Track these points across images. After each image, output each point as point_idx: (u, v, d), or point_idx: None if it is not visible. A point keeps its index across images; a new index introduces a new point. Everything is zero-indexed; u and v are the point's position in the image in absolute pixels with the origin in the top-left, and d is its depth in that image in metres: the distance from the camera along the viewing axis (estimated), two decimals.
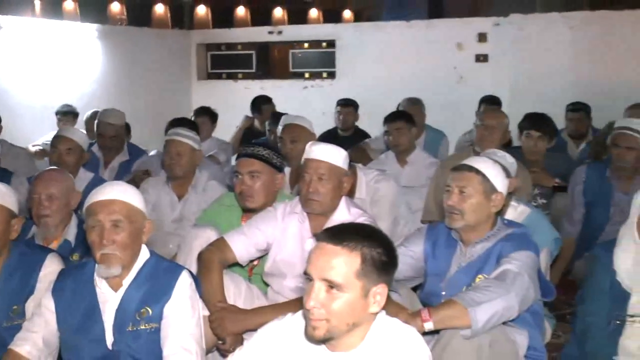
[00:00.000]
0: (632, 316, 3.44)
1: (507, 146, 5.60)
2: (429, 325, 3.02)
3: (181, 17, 12.86)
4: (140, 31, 10.89)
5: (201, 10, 13.14)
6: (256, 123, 8.28)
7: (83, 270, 3.13)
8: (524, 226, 3.69)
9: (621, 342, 3.44)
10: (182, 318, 3.02)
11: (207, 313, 3.40)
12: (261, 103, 8.35)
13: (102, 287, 3.05)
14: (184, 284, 3.07)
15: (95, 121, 6.63)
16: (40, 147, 7.39)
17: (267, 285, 3.91)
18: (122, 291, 3.04)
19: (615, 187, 5.32)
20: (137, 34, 10.67)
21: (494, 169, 3.52)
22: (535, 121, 5.81)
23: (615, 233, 3.70)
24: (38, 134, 7.87)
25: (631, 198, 3.59)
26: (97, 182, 4.77)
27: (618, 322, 3.46)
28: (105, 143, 6.45)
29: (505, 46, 9.56)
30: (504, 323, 3.21)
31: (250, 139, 7.49)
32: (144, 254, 3.12)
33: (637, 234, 3.48)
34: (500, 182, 3.49)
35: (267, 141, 6.78)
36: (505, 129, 5.43)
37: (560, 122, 7.13)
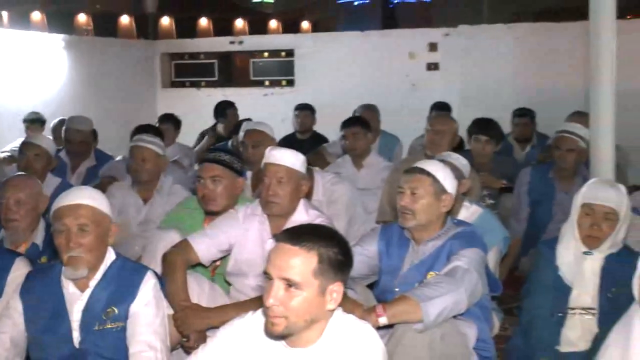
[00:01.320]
0: (572, 309, 3.50)
1: (458, 149, 5.64)
2: (383, 320, 3.02)
3: (146, 28, 12.79)
4: (106, 41, 10.83)
5: (165, 21, 13.08)
6: (219, 128, 8.23)
7: (50, 272, 3.10)
8: (472, 225, 3.72)
9: (563, 333, 3.49)
10: (147, 317, 3.01)
11: (171, 312, 3.38)
12: (225, 108, 8.32)
13: (69, 288, 3.03)
14: (149, 284, 3.06)
15: (64, 127, 6.56)
16: (9, 154, 7.29)
17: (229, 284, 3.90)
18: (88, 292, 3.02)
19: (558, 188, 5.39)
20: (103, 44, 10.60)
21: (444, 171, 3.55)
22: (483, 126, 5.85)
23: (557, 231, 3.76)
24: (6, 141, 7.77)
25: (572, 197, 3.65)
26: (64, 186, 4.72)
27: (560, 314, 3.51)
28: (73, 148, 6.38)
29: (455, 55, 9.66)
30: (454, 317, 3.22)
31: (213, 144, 7.46)
32: (110, 256, 3.10)
33: (577, 231, 3.53)
34: (449, 184, 3.51)
35: (230, 146, 6.75)
36: (454, 134, 5.47)
37: (506, 126, 7.20)
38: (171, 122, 7.57)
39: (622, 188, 3.57)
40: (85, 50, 9.91)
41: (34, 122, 7.76)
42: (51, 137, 6.12)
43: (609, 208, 3.46)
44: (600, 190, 3.51)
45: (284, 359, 2.47)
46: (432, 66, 9.80)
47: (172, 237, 3.82)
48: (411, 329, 3.04)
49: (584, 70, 4.92)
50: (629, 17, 9.83)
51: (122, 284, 3.03)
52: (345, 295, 2.55)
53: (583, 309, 3.49)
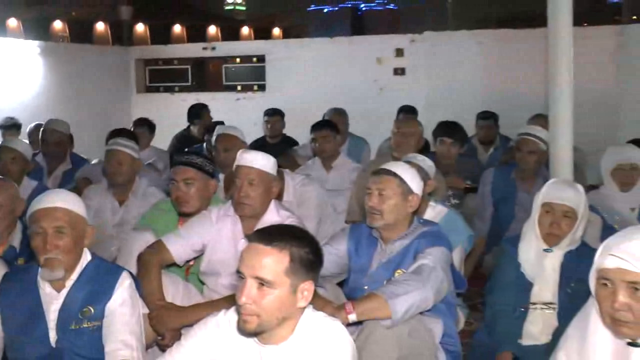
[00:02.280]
0: (534, 303, 3.52)
1: (424, 151, 5.66)
2: (352, 317, 3.03)
3: (121, 35, 12.74)
4: (81, 48, 10.74)
5: (140, 27, 13.03)
6: (193, 130, 8.20)
7: (27, 273, 3.07)
8: (438, 224, 3.74)
9: (525, 327, 3.51)
10: (123, 316, 2.99)
11: (146, 311, 3.36)
12: (199, 109, 8.29)
13: (45, 289, 3.00)
14: (125, 284, 3.04)
15: (42, 128, 6.51)
16: None
17: (203, 283, 3.88)
18: (65, 292, 3.00)
19: (519, 188, 5.41)
20: (79, 51, 10.52)
21: (410, 172, 3.56)
22: (448, 129, 5.87)
23: (519, 229, 3.79)
24: None
25: (533, 197, 3.68)
26: (41, 189, 4.67)
27: (522, 309, 3.53)
28: (49, 149, 6.33)
29: (421, 60, 9.71)
30: (421, 313, 3.24)
31: (186, 146, 7.43)
32: (86, 257, 3.08)
33: (538, 229, 3.56)
34: (416, 185, 3.53)
35: (204, 149, 6.72)
36: (420, 136, 5.49)
37: (470, 129, 7.24)
38: (146, 126, 7.52)
39: (580, 188, 3.61)
40: (61, 57, 9.83)
41: (10, 127, 7.67)
42: (27, 142, 6.06)
43: (567, 207, 3.50)
44: (559, 190, 3.55)
45: (257, 355, 2.46)
46: (399, 71, 9.84)
47: (147, 238, 3.80)
48: (380, 325, 3.05)
49: (543, 75, 4.96)
50: (584, 24, 9.95)
51: (98, 284, 3.01)
52: (316, 293, 2.55)
53: (544, 303, 3.52)
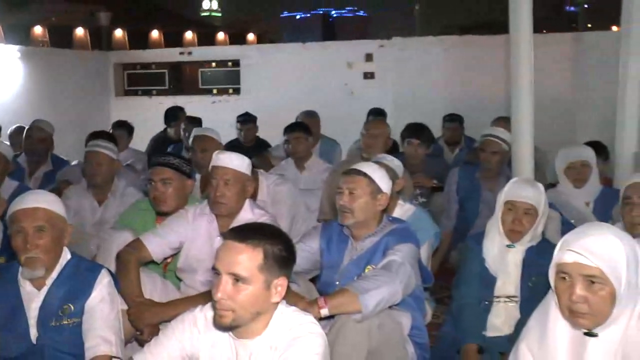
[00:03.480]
0: (497, 297, 3.55)
1: (393, 152, 5.68)
2: (325, 312, 3.03)
3: (100, 40, 12.67)
4: (61, 52, 10.64)
5: (118, 33, 12.96)
6: (170, 132, 8.15)
7: (8, 272, 3.04)
8: (406, 222, 3.75)
9: (489, 319, 3.53)
10: (102, 312, 2.98)
11: (125, 307, 3.34)
12: (176, 112, 8.25)
13: (26, 287, 2.98)
14: (103, 282, 3.03)
15: (28, 127, 6.49)
16: None
17: (180, 280, 3.86)
18: (45, 290, 2.98)
19: (483, 187, 5.43)
20: (59, 55, 10.41)
21: (379, 172, 3.56)
22: (415, 130, 5.89)
23: (484, 226, 3.81)
24: None
25: (496, 195, 3.70)
26: (21, 190, 4.61)
27: (487, 302, 3.55)
28: (32, 147, 6.29)
29: (389, 65, 9.73)
30: (390, 307, 3.25)
31: (164, 147, 7.39)
32: (66, 256, 3.06)
33: (501, 226, 3.58)
34: (385, 184, 3.54)
35: (183, 148, 6.70)
36: (387, 137, 5.50)
37: (437, 131, 7.27)
38: (124, 128, 7.47)
39: (540, 186, 3.64)
40: (41, 61, 9.72)
41: None
42: (8, 143, 6.00)
43: (528, 205, 3.52)
44: (520, 189, 3.58)
45: (232, 349, 2.46)
46: (369, 75, 9.86)
47: (126, 237, 3.77)
48: (351, 319, 3.05)
49: (506, 79, 5.00)
50: (543, 31, 10.03)
51: (77, 282, 2.99)
52: (289, 289, 2.55)
53: (507, 297, 3.54)
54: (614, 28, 9.80)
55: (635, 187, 3.35)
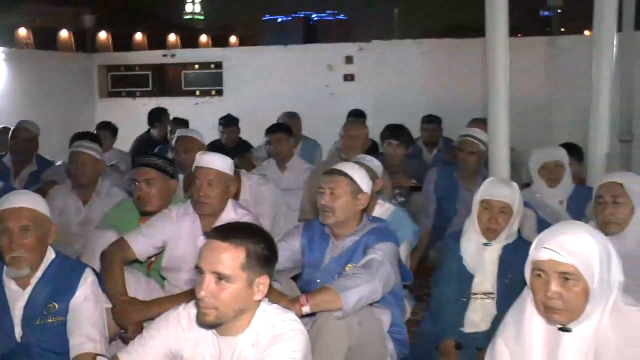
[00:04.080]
0: (475, 294, 3.56)
1: (373, 152, 5.68)
2: (306, 310, 3.03)
3: (84, 42, 12.60)
4: (46, 54, 10.58)
5: (103, 35, 12.88)
6: (154, 133, 8.12)
7: None
8: (386, 221, 3.75)
9: (467, 316, 3.55)
10: (87, 311, 2.96)
11: (110, 306, 3.33)
12: (160, 113, 8.22)
13: (11, 287, 2.96)
14: (88, 281, 3.02)
15: (14, 127, 6.43)
16: None
17: (164, 279, 3.85)
18: (30, 289, 2.96)
19: (461, 186, 5.46)
20: (44, 57, 10.35)
21: (360, 172, 3.57)
22: (395, 131, 5.90)
23: (461, 225, 3.83)
24: None
25: (474, 195, 3.71)
26: (7, 190, 4.56)
27: (464, 299, 3.57)
28: (18, 146, 6.24)
29: (369, 68, 9.75)
30: (370, 304, 3.26)
31: (148, 148, 7.36)
32: (50, 255, 3.04)
33: (477, 225, 3.60)
34: (365, 184, 3.54)
35: (169, 149, 6.67)
36: (366, 138, 5.50)
37: (416, 132, 7.28)
38: (108, 129, 7.43)
39: (515, 185, 3.67)
40: (26, 63, 9.65)
41: None
42: None
43: (504, 203, 3.55)
44: (496, 188, 3.60)
45: (215, 346, 2.46)
46: (349, 77, 9.88)
47: (110, 237, 3.76)
48: (332, 316, 3.06)
49: (482, 81, 5.01)
50: (519, 35, 10.08)
51: (62, 281, 2.98)
52: (271, 287, 2.55)
53: (484, 294, 3.56)
54: (587, 33, 9.88)
55: (607, 187, 3.38)
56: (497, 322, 2.87)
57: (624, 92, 7.73)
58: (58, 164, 6.41)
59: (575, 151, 5.31)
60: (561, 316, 2.24)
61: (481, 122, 5.85)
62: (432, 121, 7.56)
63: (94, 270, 3.13)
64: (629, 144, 8.03)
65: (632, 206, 3.30)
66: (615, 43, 4.66)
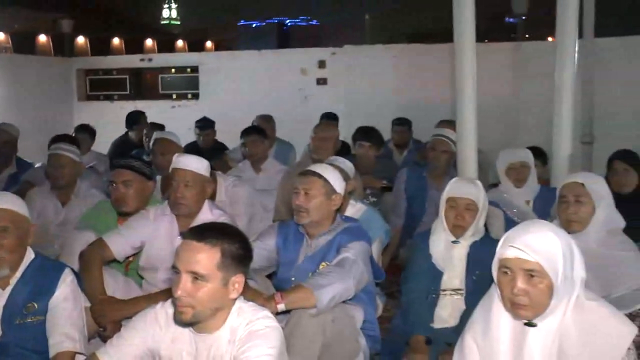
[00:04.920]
0: (444, 290, 3.57)
1: (344, 154, 5.68)
2: (281, 307, 3.02)
3: (62, 46, 12.47)
4: (25, 58, 10.47)
5: (80, 40, 12.75)
6: (131, 136, 8.06)
7: None
8: (358, 220, 3.75)
9: (436, 312, 3.55)
10: (66, 310, 2.93)
11: (88, 304, 3.30)
12: (137, 116, 8.17)
13: None
14: (67, 280, 2.98)
15: None
16: None
17: (142, 278, 3.82)
18: (9, 289, 2.91)
19: (430, 186, 5.45)
20: (22, 61, 10.24)
21: (333, 173, 3.57)
22: (366, 133, 5.91)
23: (430, 223, 3.84)
24: None
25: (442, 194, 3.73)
26: None
27: (434, 295, 3.58)
28: None
29: (341, 71, 9.77)
30: (343, 301, 3.25)
31: (126, 150, 7.30)
32: (29, 255, 3.00)
33: (445, 223, 3.62)
34: (338, 185, 3.54)
35: (143, 153, 6.61)
36: (336, 139, 5.50)
37: (386, 134, 7.30)
38: (87, 132, 7.37)
39: (479, 183, 3.71)
40: (5, 67, 9.54)
41: None
42: None
43: (469, 200, 3.58)
44: (461, 186, 3.64)
45: (192, 344, 2.44)
46: (321, 81, 9.88)
47: (88, 237, 3.72)
48: (306, 313, 3.05)
49: (450, 85, 5.04)
50: (486, 41, 10.16)
51: (41, 281, 2.94)
52: (247, 285, 2.54)
53: (452, 290, 3.57)
54: (550, 39, 9.98)
55: (569, 187, 3.41)
56: (465, 317, 2.88)
57: (585, 96, 7.83)
58: (37, 165, 6.35)
59: (539, 154, 5.35)
60: (527, 311, 2.25)
61: (449, 124, 5.90)
62: (402, 123, 7.58)
63: (72, 269, 3.10)
64: (589, 145, 8.14)
65: (593, 205, 3.33)
66: (576, 49, 4.71)
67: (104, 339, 3.26)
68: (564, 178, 3.61)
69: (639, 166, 4.66)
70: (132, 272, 3.90)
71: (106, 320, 3.31)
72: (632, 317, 3.09)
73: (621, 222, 3.42)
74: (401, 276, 3.96)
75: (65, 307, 2.93)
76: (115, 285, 3.56)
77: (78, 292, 3.04)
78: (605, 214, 3.35)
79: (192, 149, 7.05)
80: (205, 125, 7.54)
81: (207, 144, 7.46)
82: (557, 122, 4.71)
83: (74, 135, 7.02)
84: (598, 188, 3.38)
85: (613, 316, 2.28)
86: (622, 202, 3.64)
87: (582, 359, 2.22)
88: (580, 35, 5.90)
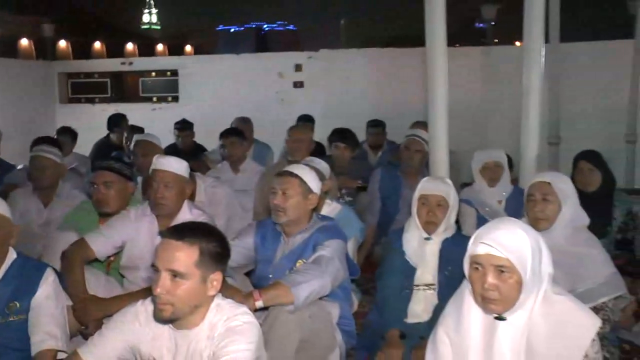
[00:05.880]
0: (417, 286, 3.58)
1: (320, 155, 5.67)
2: (259, 304, 3.01)
3: (44, 50, 12.36)
4: (7, 62, 10.34)
5: (62, 44, 12.63)
6: (112, 138, 7.99)
7: None
8: (334, 219, 3.75)
9: (410, 307, 3.56)
10: (48, 309, 2.91)
11: (70, 303, 3.27)
12: (118, 119, 8.10)
13: None
14: (49, 280, 2.96)
15: None
16: None
17: (123, 277, 3.78)
18: None
19: (404, 185, 5.45)
20: (5, 65, 10.12)
21: (310, 174, 3.56)
22: (342, 135, 5.91)
23: (404, 221, 3.85)
24: None
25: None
26: None
27: (407, 290, 3.59)
28: None
29: (317, 75, 9.78)
30: (320, 298, 3.25)
31: (107, 152, 7.24)
32: (12, 255, 2.97)
33: (417, 221, 3.63)
34: (315, 185, 3.54)
35: (123, 155, 6.56)
36: (310, 140, 5.49)
37: (361, 135, 7.31)
38: (68, 134, 7.31)
39: (449, 181, 3.73)
40: None
41: None
42: None
43: (440, 197, 3.60)
44: (431, 184, 3.66)
45: (172, 340, 2.43)
46: (298, 84, 9.89)
47: (70, 237, 3.68)
48: (284, 310, 3.05)
49: (423, 88, 5.06)
50: (456, 45, 10.22)
51: (23, 280, 2.91)
52: (225, 283, 2.54)
53: (425, 285, 3.57)
54: (518, 43, 10.06)
55: (537, 186, 3.43)
56: (438, 312, 2.89)
57: (552, 98, 7.91)
58: (19, 167, 6.28)
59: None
60: (497, 306, 2.27)
61: (422, 125, 5.92)
62: (376, 125, 7.59)
63: (54, 269, 3.08)
64: (556, 146, 8.22)
65: (560, 203, 3.36)
66: (542, 53, 4.75)
67: (86, 337, 3.23)
68: (532, 177, 3.63)
69: (603, 166, 4.71)
70: (114, 272, 3.87)
71: (88, 318, 3.28)
72: (596, 310, 3.14)
73: (586, 220, 3.46)
74: (376, 273, 3.97)
75: (48, 305, 2.90)
76: (97, 284, 3.53)
77: (60, 291, 3.02)
78: (571, 212, 3.38)
79: (172, 150, 7.02)
80: (183, 126, 7.51)
81: (186, 145, 7.42)
82: (525, 124, 4.75)
83: (55, 137, 6.95)
84: (564, 187, 3.41)
85: (578, 309, 2.31)
86: (587, 200, 3.69)
87: (549, 350, 2.24)
88: (547, 40, 5.95)
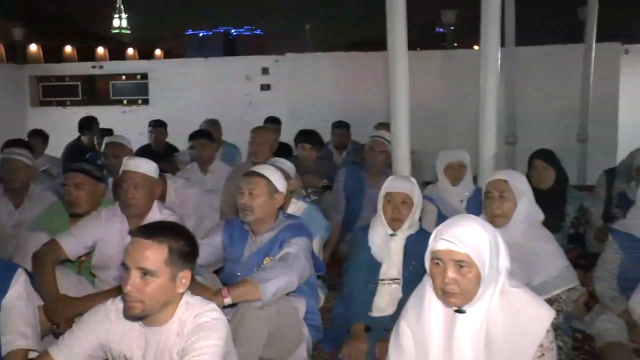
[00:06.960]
0: (382, 280, 3.59)
1: (287, 155, 5.65)
2: (228, 300, 3.00)
3: (15, 54, 12.16)
4: None
5: (33, 47, 12.41)
6: (84, 140, 7.89)
7: None
8: (300, 218, 3.76)
9: (375, 301, 3.57)
10: (19, 309, 2.85)
11: (42, 303, 3.21)
12: (89, 121, 8.00)
13: None
14: (20, 280, 2.89)
15: None
16: None
17: (94, 276, 3.74)
18: None
19: (368, 184, 5.45)
20: None
21: (276, 174, 3.55)
22: (307, 136, 5.91)
23: (368, 219, 3.86)
24: None
25: (379, 191, 3.75)
26: None
27: (373, 285, 3.59)
28: None
29: (284, 78, 9.78)
30: (287, 294, 3.25)
31: (79, 154, 7.14)
32: None
33: (383, 217, 3.64)
34: (281, 185, 3.53)
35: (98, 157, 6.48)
36: (273, 142, 5.46)
37: (326, 136, 7.32)
38: (40, 136, 7.20)
39: (414, 180, 3.76)
40: None
41: None
42: None
43: (404, 194, 3.62)
44: (396, 182, 3.69)
45: (142, 337, 2.41)
46: (265, 87, 9.88)
47: (41, 238, 3.63)
48: (252, 306, 3.04)
49: (385, 90, 5.08)
50: (417, 49, 10.28)
51: None
52: (194, 281, 2.52)
53: (390, 279, 3.58)
54: (476, 47, 10.17)
55: (493, 183, 3.46)
56: (402, 305, 2.89)
57: (508, 100, 8.00)
58: None
59: None
60: (457, 299, 2.28)
61: (385, 126, 5.93)
62: (341, 126, 7.60)
63: (25, 269, 3.02)
64: (513, 145, 8.33)
65: (515, 200, 3.39)
66: (499, 56, 4.79)
67: (57, 336, 3.17)
68: (489, 176, 3.66)
69: (556, 164, 4.77)
70: (85, 271, 3.82)
71: (59, 317, 3.24)
72: (550, 301, 3.17)
73: (540, 215, 3.50)
74: (342, 268, 3.97)
75: (19, 306, 2.85)
76: (68, 284, 3.49)
77: (31, 291, 2.97)
78: (527, 208, 3.41)
79: (145, 151, 6.95)
80: (157, 124, 7.47)
81: (159, 142, 7.36)
82: (483, 124, 4.78)
83: (27, 139, 6.84)
84: (519, 184, 3.44)
85: (534, 301, 2.33)
86: (541, 197, 3.73)
87: (506, 341, 2.26)
88: (503, 44, 6.01)
